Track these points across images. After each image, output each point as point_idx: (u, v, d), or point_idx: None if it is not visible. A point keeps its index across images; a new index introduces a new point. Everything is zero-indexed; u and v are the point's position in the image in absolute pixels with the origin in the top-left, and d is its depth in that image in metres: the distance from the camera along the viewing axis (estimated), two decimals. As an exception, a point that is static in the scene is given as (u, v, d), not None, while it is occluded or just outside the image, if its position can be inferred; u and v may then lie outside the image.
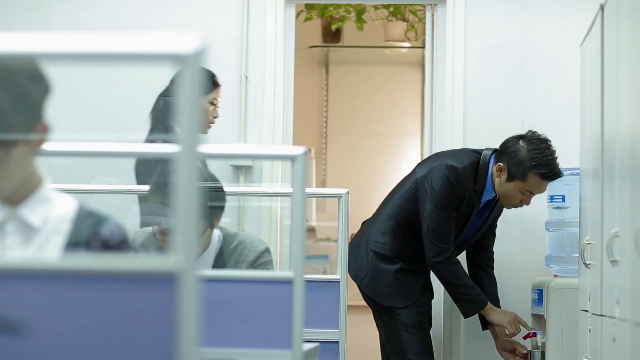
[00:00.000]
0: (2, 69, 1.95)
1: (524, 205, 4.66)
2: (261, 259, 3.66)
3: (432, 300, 4.88)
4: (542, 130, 4.64)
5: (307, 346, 2.74)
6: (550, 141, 4.59)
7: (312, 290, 3.31)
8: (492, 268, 4.92)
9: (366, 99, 7.91)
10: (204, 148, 3.22)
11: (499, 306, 4.81)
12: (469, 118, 5.27)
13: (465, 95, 5.28)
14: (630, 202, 3.00)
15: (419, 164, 4.87)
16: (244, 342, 2.61)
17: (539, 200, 4.83)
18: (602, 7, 3.63)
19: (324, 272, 7.37)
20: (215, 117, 4.71)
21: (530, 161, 4.54)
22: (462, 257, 4.84)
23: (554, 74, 5.28)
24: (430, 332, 4.83)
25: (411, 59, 7.79)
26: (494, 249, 4.94)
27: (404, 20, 7.46)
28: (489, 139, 4.89)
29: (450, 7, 5.31)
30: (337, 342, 3.66)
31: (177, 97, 1.42)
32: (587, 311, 3.86)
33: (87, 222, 2.09)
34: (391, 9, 7.35)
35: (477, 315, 4.75)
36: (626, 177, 3.07)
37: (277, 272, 3.96)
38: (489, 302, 4.71)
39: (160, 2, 5.37)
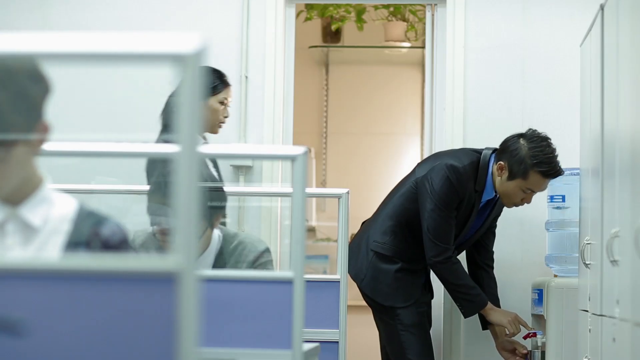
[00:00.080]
0: (2, 69, 1.95)
1: (525, 204, 4.66)
2: (261, 259, 3.66)
3: (432, 300, 4.88)
4: (542, 130, 4.64)
5: (307, 346, 2.74)
6: (550, 139, 4.59)
7: (312, 290, 3.31)
8: (492, 268, 4.92)
9: (366, 99, 7.91)
10: (205, 148, 3.22)
11: (499, 306, 4.81)
12: (469, 118, 5.27)
13: (465, 95, 5.28)
14: (630, 202, 3.00)
15: (419, 164, 4.88)
16: (244, 342, 2.61)
17: (539, 200, 4.83)
18: (602, 7, 3.63)
19: (324, 272, 7.37)
20: (225, 117, 4.67)
21: (532, 159, 4.54)
22: (462, 257, 4.84)
23: (554, 74, 5.28)
24: (430, 332, 4.83)
25: (411, 59, 7.79)
26: (494, 249, 4.94)
27: (404, 20, 7.47)
28: (489, 139, 4.89)
29: (450, 7, 5.31)
30: (337, 342, 3.66)
31: (178, 97, 1.42)
32: (587, 311, 3.86)
33: (87, 222, 2.09)
34: (391, 9, 7.35)
35: (477, 315, 4.75)
36: (626, 177, 3.07)
37: (277, 272, 3.96)
38: (489, 302, 4.71)
39: (160, 2, 5.37)
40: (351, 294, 4.09)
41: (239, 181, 5.28)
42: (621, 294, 3.12)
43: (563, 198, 4.84)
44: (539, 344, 4.62)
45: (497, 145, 4.68)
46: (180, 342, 1.43)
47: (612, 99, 3.37)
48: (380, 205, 4.88)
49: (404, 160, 7.73)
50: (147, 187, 3.64)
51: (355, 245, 4.79)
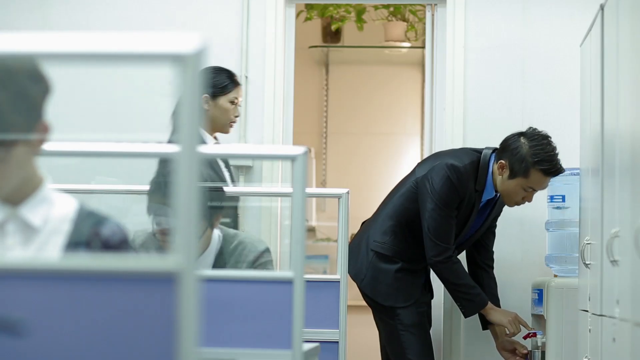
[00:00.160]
0: (2, 69, 1.95)
1: (526, 203, 4.67)
2: (261, 259, 3.66)
3: (432, 300, 4.88)
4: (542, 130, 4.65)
5: (307, 346, 2.74)
6: (550, 137, 4.60)
7: (312, 290, 3.31)
8: (492, 268, 4.92)
9: (366, 99, 7.91)
10: (209, 148, 3.22)
11: (499, 306, 4.81)
12: (469, 118, 5.27)
13: (465, 95, 5.28)
14: (630, 202, 3.00)
15: (419, 164, 4.88)
16: (244, 342, 2.61)
17: (539, 200, 4.83)
18: (602, 7, 3.63)
19: (324, 272, 7.37)
20: (236, 116, 4.68)
21: (533, 157, 4.54)
22: (462, 257, 4.84)
23: (554, 74, 5.28)
24: (430, 332, 4.83)
25: (411, 59, 7.79)
26: (494, 249, 4.94)
27: (404, 20, 7.46)
28: (489, 139, 4.89)
29: (450, 7, 5.31)
30: (337, 342, 3.65)
31: (178, 97, 1.42)
32: (587, 311, 3.86)
33: (87, 222, 2.09)
34: (391, 9, 7.35)
35: (477, 315, 4.75)
36: (626, 177, 3.07)
37: (277, 272, 3.95)
38: (489, 302, 4.71)
39: (160, 2, 5.37)
40: (351, 294, 4.09)
41: (239, 181, 5.28)
42: (621, 294, 3.12)
43: (563, 198, 4.84)
44: (539, 344, 4.62)
45: (497, 145, 4.68)
46: (180, 342, 1.43)
47: (612, 98, 3.37)
48: (380, 205, 4.88)
49: (404, 160, 7.73)
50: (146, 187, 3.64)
51: (355, 245, 4.79)
